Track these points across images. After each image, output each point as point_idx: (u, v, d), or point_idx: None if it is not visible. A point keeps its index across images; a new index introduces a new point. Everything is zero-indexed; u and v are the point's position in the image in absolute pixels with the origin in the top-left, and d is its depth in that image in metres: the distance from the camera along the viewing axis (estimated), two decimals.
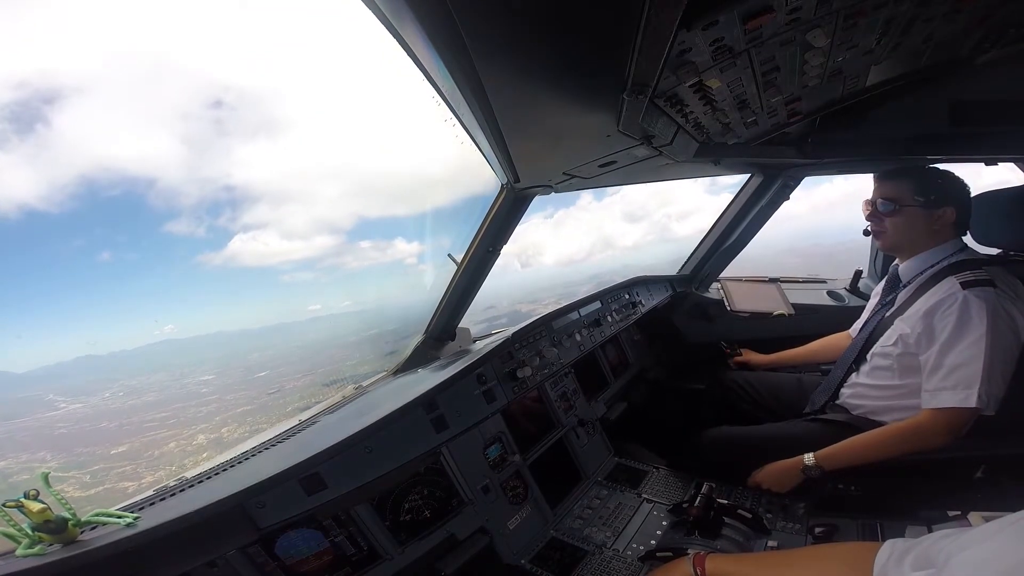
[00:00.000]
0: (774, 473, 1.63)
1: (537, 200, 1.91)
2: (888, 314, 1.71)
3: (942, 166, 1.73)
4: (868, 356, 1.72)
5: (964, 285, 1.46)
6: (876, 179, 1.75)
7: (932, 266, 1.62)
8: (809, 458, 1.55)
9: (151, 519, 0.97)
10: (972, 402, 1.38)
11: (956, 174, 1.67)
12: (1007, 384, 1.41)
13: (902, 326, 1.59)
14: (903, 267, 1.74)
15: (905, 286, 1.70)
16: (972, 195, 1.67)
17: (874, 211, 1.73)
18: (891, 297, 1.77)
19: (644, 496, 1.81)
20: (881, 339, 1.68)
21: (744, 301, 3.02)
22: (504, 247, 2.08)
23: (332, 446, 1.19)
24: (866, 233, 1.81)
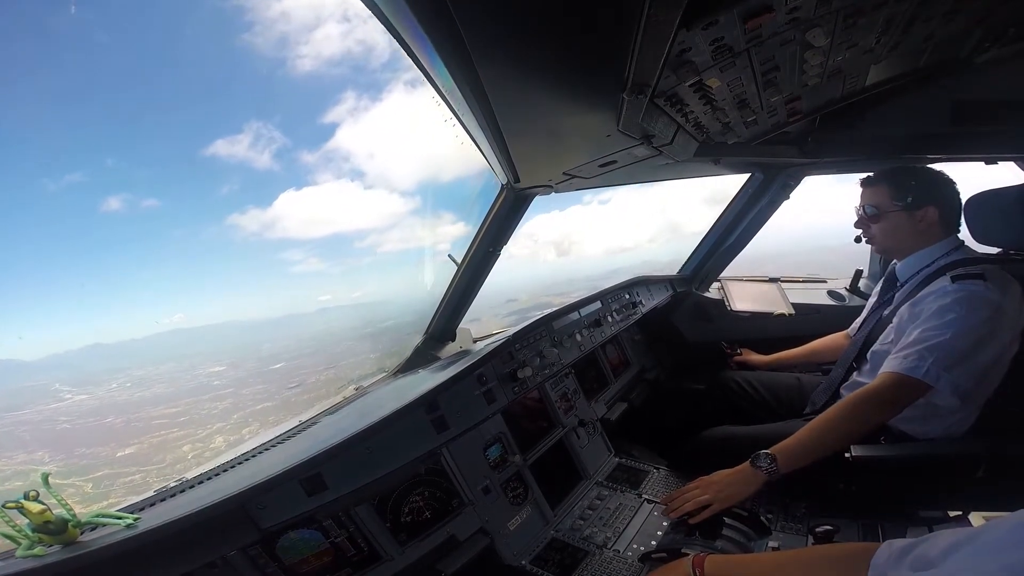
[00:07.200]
0: (722, 483, 1.50)
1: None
2: (886, 313, 1.72)
3: (941, 166, 1.74)
4: (868, 355, 1.72)
5: (954, 278, 1.48)
6: (860, 185, 1.77)
7: (928, 265, 1.63)
8: (760, 453, 1.47)
9: (151, 520, 0.97)
10: (919, 374, 1.37)
11: (938, 171, 1.67)
12: (980, 379, 1.40)
13: (897, 322, 1.60)
14: (900, 267, 1.75)
15: (902, 285, 1.71)
16: (969, 194, 1.68)
17: (861, 218, 1.76)
18: (889, 296, 1.78)
19: (645, 496, 1.81)
20: (880, 338, 1.69)
21: (744, 301, 3.02)
22: (504, 247, 2.08)
23: (333, 447, 1.19)
24: (858, 240, 1.82)
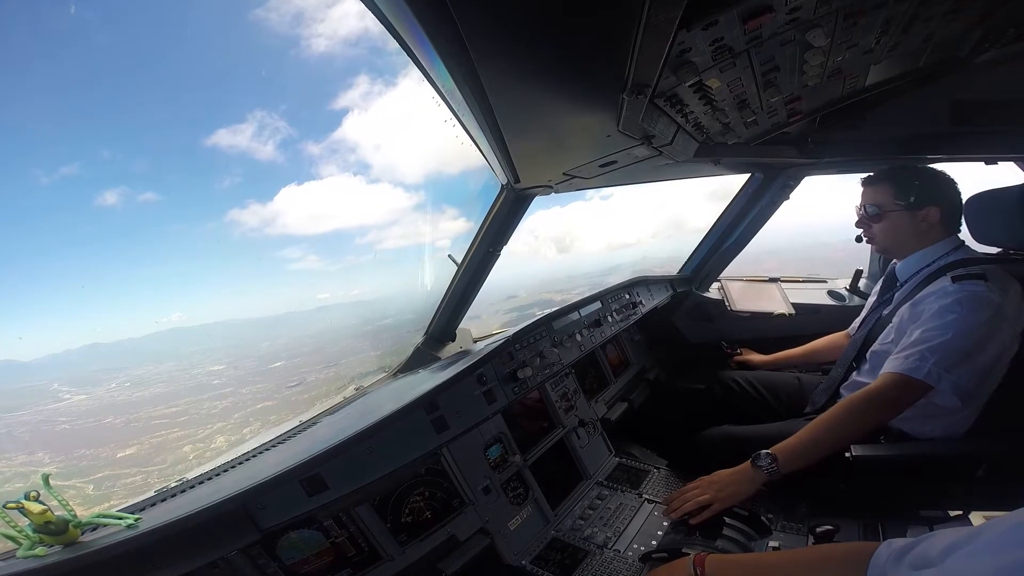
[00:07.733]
0: (722, 482, 1.51)
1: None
2: (885, 313, 1.72)
3: (941, 166, 1.74)
4: (867, 355, 1.72)
5: (954, 279, 1.48)
6: (861, 184, 1.77)
7: (928, 265, 1.63)
8: (761, 453, 1.48)
9: (152, 520, 0.97)
10: (920, 374, 1.37)
11: (940, 171, 1.68)
12: (981, 380, 1.40)
13: (897, 322, 1.60)
14: (900, 266, 1.75)
15: (902, 285, 1.71)
16: (970, 194, 1.68)
17: (862, 218, 1.76)
18: (888, 296, 1.78)
19: (645, 496, 1.81)
20: (880, 337, 1.69)
21: (744, 301, 3.02)
22: (504, 247, 2.08)
23: (333, 447, 1.19)
24: (858, 240, 1.82)
